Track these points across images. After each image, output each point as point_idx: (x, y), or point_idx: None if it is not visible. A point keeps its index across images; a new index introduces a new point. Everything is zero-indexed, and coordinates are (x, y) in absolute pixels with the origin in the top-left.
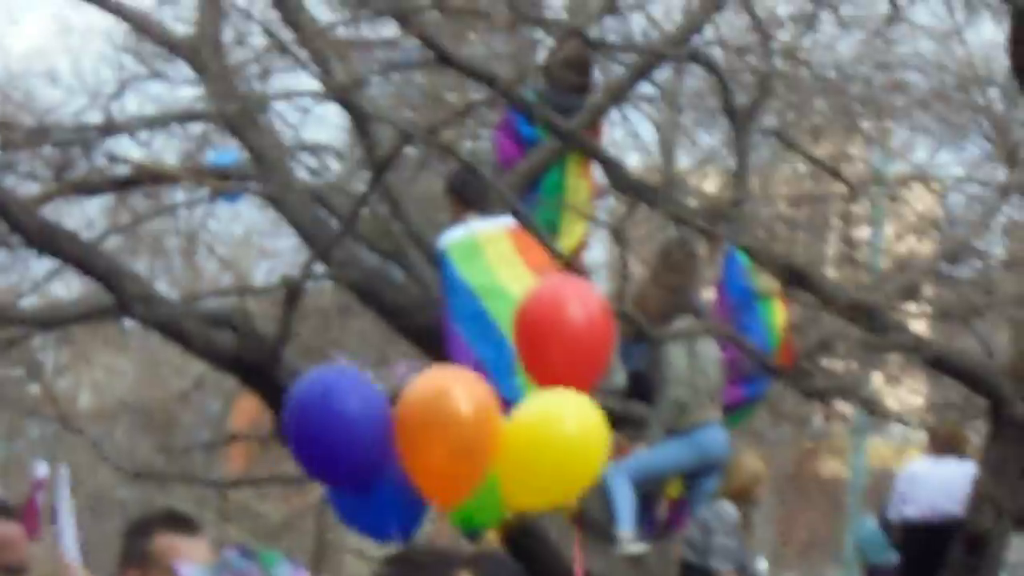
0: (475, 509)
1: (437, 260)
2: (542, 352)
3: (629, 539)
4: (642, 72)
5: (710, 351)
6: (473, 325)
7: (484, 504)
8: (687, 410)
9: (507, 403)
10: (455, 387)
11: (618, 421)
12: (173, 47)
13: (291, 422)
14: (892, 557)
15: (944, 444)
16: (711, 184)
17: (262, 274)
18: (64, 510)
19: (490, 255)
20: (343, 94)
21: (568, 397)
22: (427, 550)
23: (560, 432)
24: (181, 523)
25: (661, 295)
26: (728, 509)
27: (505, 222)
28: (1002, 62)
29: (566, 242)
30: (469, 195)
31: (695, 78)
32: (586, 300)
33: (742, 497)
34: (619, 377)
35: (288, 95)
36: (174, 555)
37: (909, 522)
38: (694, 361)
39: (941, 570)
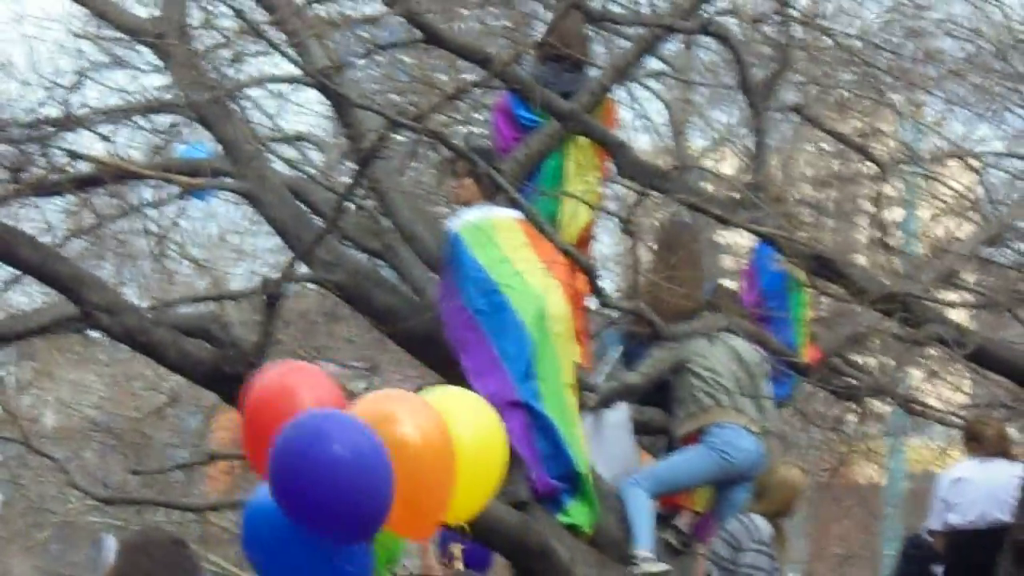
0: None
1: (447, 244)
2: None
3: (647, 558)
4: (649, 46)
5: (737, 347)
6: (493, 318)
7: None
8: (708, 412)
9: (522, 404)
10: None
11: (635, 429)
12: (135, 32)
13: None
14: None
15: (991, 445)
16: (728, 167)
17: (240, 277)
18: None
19: (504, 243)
20: (323, 79)
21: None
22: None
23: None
24: None
25: (673, 286)
26: (760, 523)
27: (516, 213)
28: None
29: (569, 233)
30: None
31: (707, 51)
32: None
33: (780, 513)
34: (633, 379)
35: (262, 81)
36: None
37: (955, 530)
38: (715, 359)
39: None
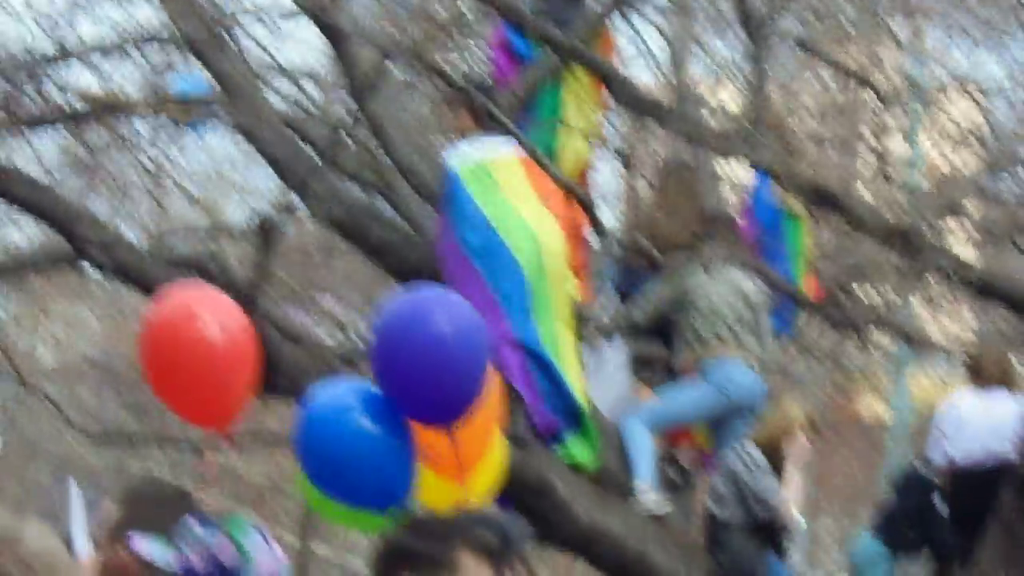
0: None
1: (444, 180)
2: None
3: (647, 491)
4: None
5: (737, 280)
6: (492, 259)
7: None
8: (708, 346)
9: (520, 344)
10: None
11: (634, 363)
12: None
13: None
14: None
15: (992, 377)
16: (728, 99)
17: (236, 212)
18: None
19: (503, 182)
20: (318, 10)
21: None
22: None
23: None
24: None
25: (673, 221)
26: (753, 451)
27: (514, 147)
28: None
29: (567, 167)
30: (482, 114)
31: None
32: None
33: (773, 445)
34: (636, 313)
35: (257, 13)
36: None
37: (958, 467)
38: (716, 293)
39: (990, 515)
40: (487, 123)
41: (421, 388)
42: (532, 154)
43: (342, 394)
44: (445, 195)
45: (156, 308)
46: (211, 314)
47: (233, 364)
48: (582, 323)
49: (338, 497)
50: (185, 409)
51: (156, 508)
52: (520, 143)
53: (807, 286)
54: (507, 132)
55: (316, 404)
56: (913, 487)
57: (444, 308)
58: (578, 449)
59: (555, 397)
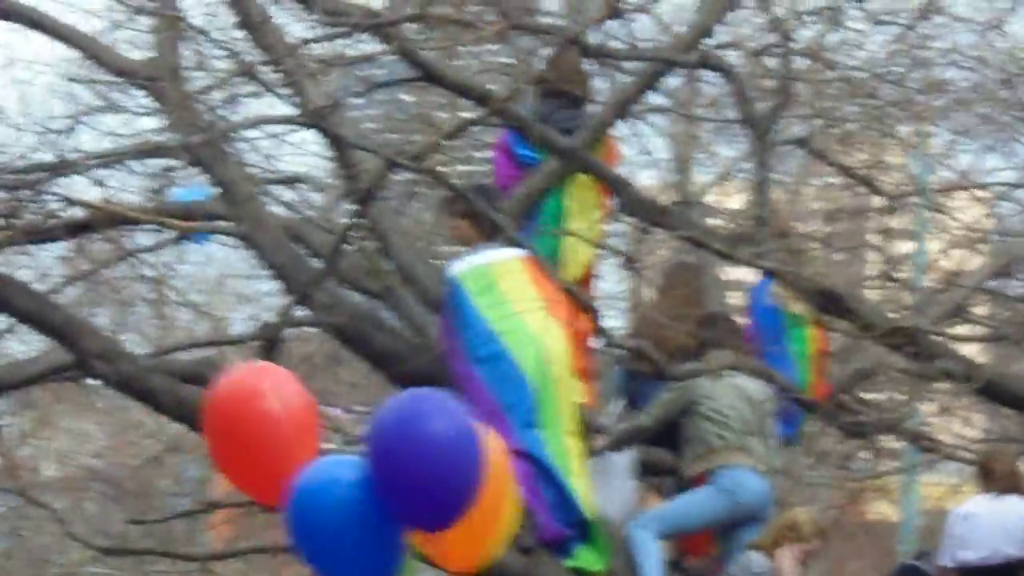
0: None
1: (447, 290)
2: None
3: None
4: (650, 81)
5: (745, 387)
6: (493, 367)
7: None
8: (716, 453)
9: (525, 454)
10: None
11: (642, 470)
12: (129, 75)
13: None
14: None
15: (1003, 481)
16: (733, 202)
17: (240, 322)
18: None
19: (506, 288)
20: (319, 119)
21: None
22: None
23: None
24: None
25: (677, 326)
26: (755, 558)
27: (517, 252)
28: None
29: (571, 272)
30: (483, 221)
31: (710, 85)
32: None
33: (776, 544)
34: (642, 419)
35: (258, 122)
36: None
37: (966, 566)
38: (722, 399)
39: None
40: (488, 229)
41: (415, 498)
42: (535, 260)
43: (333, 467)
44: (447, 302)
45: (220, 385)
46: (273, 388)
47: (296, 437)
48: (588, 430)
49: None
50: (248, 484)
51: None
52: (523, 249)
53: (817, 391)
54: (509, 238)
55: (306, 477)
56: None
57: (440, 411)
58: (587, 558)
59: (561, 509)
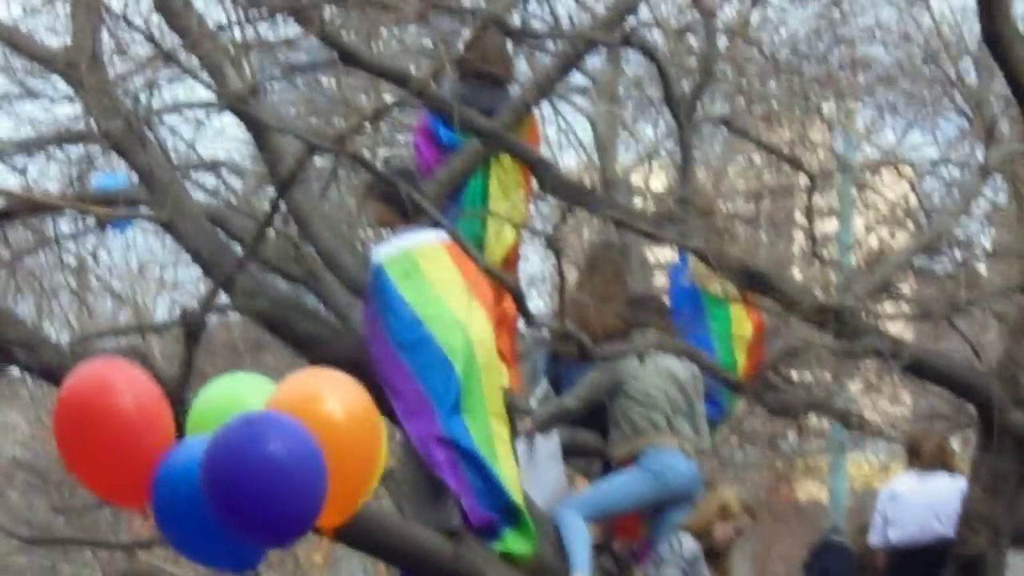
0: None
1: (371, 276)
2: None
3: None
4: (572, 61)
5: (671, 368)
6: (418, 353)
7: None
8: (643, 435)
9: (449, 440)
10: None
11: (569, 452)
12: (46, 62)
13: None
14: None
15: (930, 458)
16: (657, 181)
17: (163, 309)
18: None
19: (429, 272)
20: (239, 103)
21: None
22: None
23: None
24: None
25: (602, 307)
26: (685, 540)
27: (440, 235)
28: (973, 28)
29: (494, 255)
30: (402, 204)
31: (632, 65)
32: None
33: (706, 530)
34: (568, 401)
35: (177, 107)
36: None
37: (895, 547)
38: (649, 379)
39: None
40: (410, 213)
41: (253, 514)
42: (458, 242)
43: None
44: (370, 287)
45: (69, 383)
46: (126, 384)
47: (146, 436)
48: (514, 413)
49: (190, 554)
50: (99, 485)
51: None
52: (446, 231)
53: (748, 371)
54: (432, 221)
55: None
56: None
57: (278, 432)
58: (514, 542)
59: (488, 493)
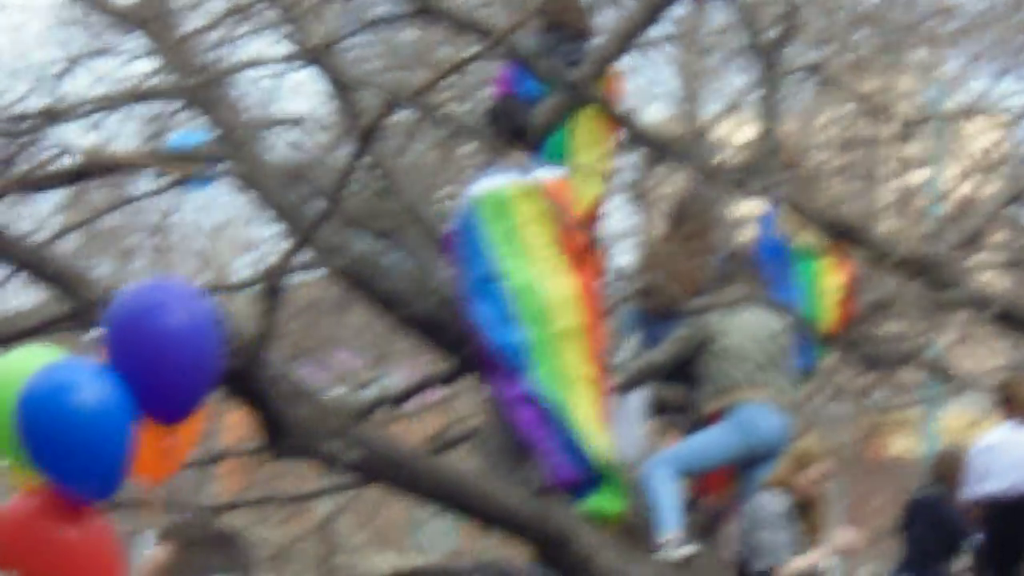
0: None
1: (461, 212)
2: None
3: (676, 542)
4: (656, 10)
5: (761, 321)
6: (495, 307)
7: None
8: (732, 390)
9: (531, 399)
10: None
11: (657, 408)
12: (123, 18)
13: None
14: None
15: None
16: (744, 132)
17: (243, 268)
18: None
19: (520, 220)
20: (319, 57)
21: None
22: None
23: None
24: None
25: (690, 261)
26: (769, 499)
27: (542, 173)
28: None
29: (578, 208)
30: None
31: (718, 13)
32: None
33: (791, 483)
34: (657, 357)
35: (256, 62)
36: None
37: (992, 498)
38: (737, 334)
39: None
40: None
41: (153, 383)
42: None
43: (65, 371)
44: (460, 227)
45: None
46: None
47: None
48: (603, 370)
49: (54, 478)
50: None
51: (212, 552)
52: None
53: (836, 324)
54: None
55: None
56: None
57: (179, 299)
58: (603, 500)
59: (572, 453)
